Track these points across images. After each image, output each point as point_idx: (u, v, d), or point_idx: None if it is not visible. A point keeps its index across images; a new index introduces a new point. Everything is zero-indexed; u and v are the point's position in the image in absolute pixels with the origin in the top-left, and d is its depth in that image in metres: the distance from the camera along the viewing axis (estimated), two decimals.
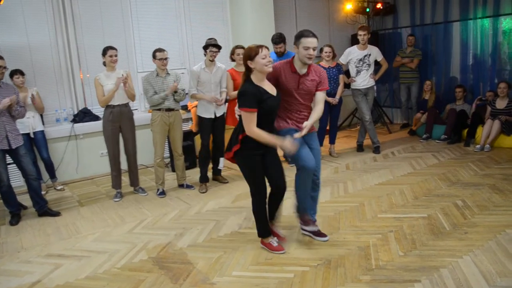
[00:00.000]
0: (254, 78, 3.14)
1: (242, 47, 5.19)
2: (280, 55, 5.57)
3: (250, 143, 3.15)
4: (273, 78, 3.32)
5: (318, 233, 3.60)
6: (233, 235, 3.80)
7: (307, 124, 3.22)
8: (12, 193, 4.44)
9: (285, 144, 3.06)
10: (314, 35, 3.25)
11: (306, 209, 3.59)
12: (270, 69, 3.13)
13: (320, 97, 3.42)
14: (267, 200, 3.41)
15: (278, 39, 5.48)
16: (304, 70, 3.34)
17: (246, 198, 4.71)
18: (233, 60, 5.34)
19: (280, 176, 3.38)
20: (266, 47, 3.11)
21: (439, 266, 3.00)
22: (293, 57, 3.39)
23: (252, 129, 3.07)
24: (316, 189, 3.62)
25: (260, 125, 3.11)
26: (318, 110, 3.38)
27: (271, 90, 3.19)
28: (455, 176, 5.04)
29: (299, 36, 3.27)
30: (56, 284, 3.12)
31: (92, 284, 3.10)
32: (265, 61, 3.06)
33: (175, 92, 4.86)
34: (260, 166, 3.27)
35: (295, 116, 3.44)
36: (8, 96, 4.19)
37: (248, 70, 3.16)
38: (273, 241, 3.44)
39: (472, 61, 7.33)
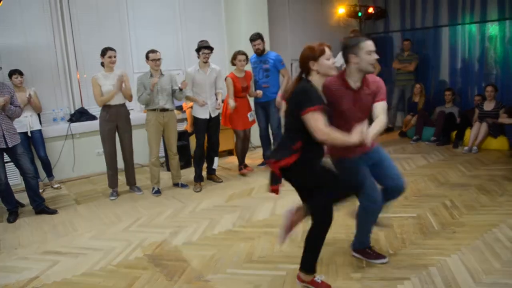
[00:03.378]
0: (314, 80, 2.70)
1: (244, 53, 5.25)
2: (259, 54, 5.60)
3: (310, 152, 2.66)
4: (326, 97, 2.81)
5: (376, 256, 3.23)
6: (227, 233, 3.86)
7: (369, 133, 2.60)
8: (9, 191, 4.47)
9: (362, 136, 2.53)
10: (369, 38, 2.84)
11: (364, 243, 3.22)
12: (335, 72, 2.73)
13: (379, 109, 2.83)
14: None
15: (255, 35, 5.52)
16: (359, 84, 2.84)
17: (240, 197, 4.80)
18: (233, 64, 5.39)
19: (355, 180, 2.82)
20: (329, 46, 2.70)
21: (427, 264, 3.09)
22: (344, 71, 2.88)
23: (324, 130, 2.54)
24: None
25: (310, 140, 2.62)
26: (380, 121, 2.78)
27: (324, 98, 2.75)
28: (444, 177, 5.16)
29: (356, 43, 2.77)
30: (53, 281, 3.17)
31: (89, 281, 3.15)
32: (331, 62, 2.65)
33: (174, 91, 4.94)
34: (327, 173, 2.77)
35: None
36: (3, 95, 4.22)
37: (306, 73, 2.71)
38: (318, 278, 2.87)
39: (461, 65, 7.48)
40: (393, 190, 3.03)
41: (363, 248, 3.24)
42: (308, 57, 2.65)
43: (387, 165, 2.99)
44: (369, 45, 2.75)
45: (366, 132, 2.54)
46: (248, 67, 5.65)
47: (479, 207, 4.16)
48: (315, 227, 2.74)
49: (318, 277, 2.86)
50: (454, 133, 6.76)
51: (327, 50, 2.65)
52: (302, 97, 2.59)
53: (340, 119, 2.82)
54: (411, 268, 3.07)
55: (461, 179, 5.06)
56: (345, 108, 2.82)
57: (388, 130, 8.12)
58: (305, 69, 2.69)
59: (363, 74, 2.82)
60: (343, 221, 3.96)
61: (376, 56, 2.76)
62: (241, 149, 5.63)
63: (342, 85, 2.84)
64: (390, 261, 3.19)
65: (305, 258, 2.81)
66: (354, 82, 2.83)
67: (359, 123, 2.63)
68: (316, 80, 2.68)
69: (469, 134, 6.40)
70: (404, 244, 3.46)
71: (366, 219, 3.14)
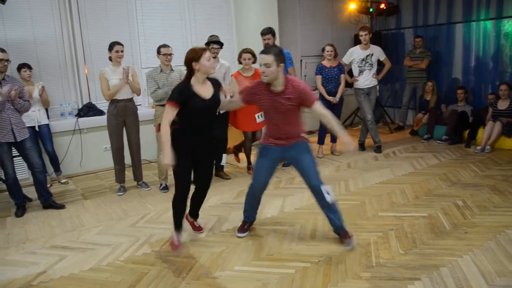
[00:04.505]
0: (193, 79, 3.21)
1: (250, 51, 5.09)
2: None
3: (174, 136, 3.22)
4: (245, 97, 3.43)
5: None
6: (235, 231, 3.83)
7: (346, 141, 3.22)
8: (17, 186, 4.49)
9: (161, 159, 3.19)
10: (266, 52, 3.16)
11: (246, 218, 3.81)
12: (213, 71, 3.24)
13: (318, 110, 3.27)
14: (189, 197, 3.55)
15: (266, 30, 5.44)
16: (280, 88, 3.21)
17: None
18: (240, 63, 5.31)
19: (205, 173, 3.56)
20: (210, 50, 3.23)
21: (439, 265, 3.04)
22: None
23: (165, 124, 3.14)
24: (328, 208, 3.45)
25: (190, 123, 3.24)
26: (330, 119, 3.28)
27: (205, 93, 3.23)
28: (455, 177, 5.08)
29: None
30: (60, 275, 3.17)
31: (96, 276, 3.14)
32: (210, 63, 3.16)
33: None
34: (186, 160, 3.32)
35: (275, 132, 3.38)
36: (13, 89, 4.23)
37: (191, 71, 3.21)
38: (176, 239, 3.51)
39: (474, 63, 7.36)
40: (311, 190, 3.43)
41: (250, 222, 3.81)
42: (190, 59, 3.16)
43: (305, 166, 3.38)
44: (259, 58, 3.18)
45: (161, 159, 3.16)
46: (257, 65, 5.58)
47: (492, 208, 4.09)
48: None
49: (176, 237, 3.51)
50: (466, 132, 6.66)
51: (205, 52, 3.14)
52: (173, 91, 3.21)
53: (266, 114, 3.37)
54: (422, 268, 3.02)
55: (474, 179, 4.98)
56: (266, 106, 3.29)
57: (398, 128, 8.05)
58: (191, 68, 3.18)
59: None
60: (352, 220, 3.93)
61: (263, 69, 3.12)
62: (250, 149, 5.57)
63: (264, 86, 3.25)
64: (401, 261, 3.15)
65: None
66: (275, 86, 3.21)
67: (280, 121, 3.29)
68: (198, 77, 3.20)
69: (482, 133, 6.30)
70: (415, 244, 3.41)
71: (248, 197, 3.73)
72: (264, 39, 5.44)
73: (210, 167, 3.64)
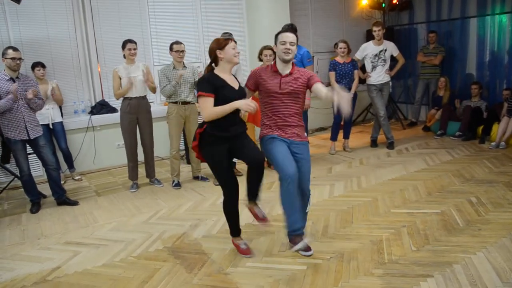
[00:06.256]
0: (218, 69, 3.16)
1: (271, 48, 5.02)
2: None
3: (209, 137, 3.09)
4: (253, 82, 3.30)
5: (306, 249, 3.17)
6: (247, 227, 3.84)
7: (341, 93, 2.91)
8: (32, 182, 4.56)
9: (243, 103, 2.99)
10: (291, 30, 3.21)
11: (296, 230, 3.19)
12: (238, 60, 3.19)
13: (322, 88, 3.17)
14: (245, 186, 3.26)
15: (287, 26, 5.33)
16: (287, 70, 3.22)
17: None
18: (260, 60, 5.29)
19: (253, 150, 3.15)
20: (235, 41, 3.19)
21: (452, 262, 3.01)
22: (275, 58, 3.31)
23: (209, 112, 3.01)
24: (304, 203, 3.34)
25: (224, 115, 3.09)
26: (329, 89, 3.13)
27: (232, 82, 3.16)
28: (469, 173, 5.02)
29: (277, 34, 3.23)
30: (74, 271, 3.22)
31: (109, 272, 3.18)
32: (234, 51, 3.14)
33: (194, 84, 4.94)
34: (224, 159, 3.18)
35: (281, 121, 3.23)
36: (27, 87, 4.32)
37: (214, 61, 3.17)
38: (242, 243, 3.38)
39: (489, 58, 7.24)
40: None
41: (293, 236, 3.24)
42: (215, 48, 3.12)
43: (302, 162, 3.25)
44: (282, 36, 3.16)
45: (243, 103, 2.98)
46: None
47: (506, 205, 4.03)
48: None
49: (241, 242, 3.39)
50: (480, 128, 6.57)
51: (231, 41, 3.12)
52: (199, 84, 3.20)
53: (269, 102, 3.25)
54: (435, 265, 3.00)
55: (488, 175, 4.91)
56: (271, 88, 3.21)
57: (411, 124, 7.97)
58: (215, 57, 3.15)
59: (282, 61, 3.20)
60: (364, 217, 3.91)
61: (288, 46, 3.12)
62: None
63: (270, 69, 3.27)
64: (413, 257, 3.13)
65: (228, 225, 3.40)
66: (281, 68, 3.23)
67: (286, 107, 3.21)
68: (223, 67, 3.15)
69: (497, 129, 6.21)
70: (427, 240, 3.39)
71: (288, 198, 3.27)
72: None
73: (255, 147, 3.25)
